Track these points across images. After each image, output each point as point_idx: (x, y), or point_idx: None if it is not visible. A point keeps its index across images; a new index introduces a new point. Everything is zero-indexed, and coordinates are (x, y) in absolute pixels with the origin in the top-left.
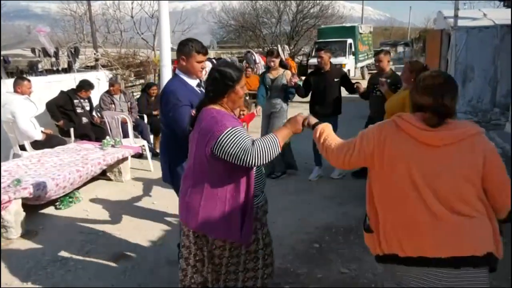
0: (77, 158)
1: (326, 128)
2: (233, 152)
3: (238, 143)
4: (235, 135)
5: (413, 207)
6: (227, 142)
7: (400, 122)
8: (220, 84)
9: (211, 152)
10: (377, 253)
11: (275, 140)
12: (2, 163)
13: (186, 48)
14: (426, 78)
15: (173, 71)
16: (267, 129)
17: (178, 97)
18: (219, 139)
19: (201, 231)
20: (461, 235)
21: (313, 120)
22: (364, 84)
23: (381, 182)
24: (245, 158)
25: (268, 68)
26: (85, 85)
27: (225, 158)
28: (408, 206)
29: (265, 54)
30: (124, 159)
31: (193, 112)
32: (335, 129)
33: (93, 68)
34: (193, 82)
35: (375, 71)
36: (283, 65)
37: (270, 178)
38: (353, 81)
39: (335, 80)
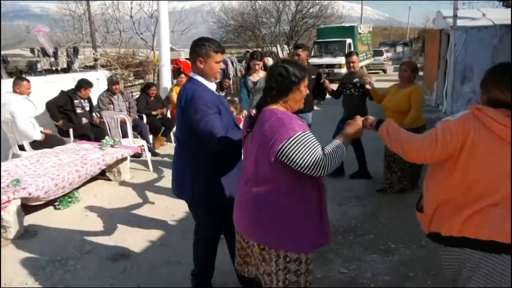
0: (76, 158)
1: (393, 124)
2: (302, 162)
3: (308, 152)
4: (305, 141)
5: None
6: (295, 149)
7: (484, 118)
8: (286, 80)
9: (275, 157)
10: (430, 231)
11: (343, 149)
12: (1, 163)
13: (203, 50)
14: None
15: (173, 71)
16: None
17: (207, 103)
18: (286, 144)
19: (269, 245)
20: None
21: (373, 119)
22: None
23: (460, 172)
24: (316, 170)
25: (249, 71)
26: (84, 84)
27: (291, 165)
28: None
29: (250, 56)
30: (123, 159)
31: (253, 112)
32: (309, 125)
33: (92, 68)
34: (212, 86)
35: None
36: (265, 67)
37: None
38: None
39: (312, 77)
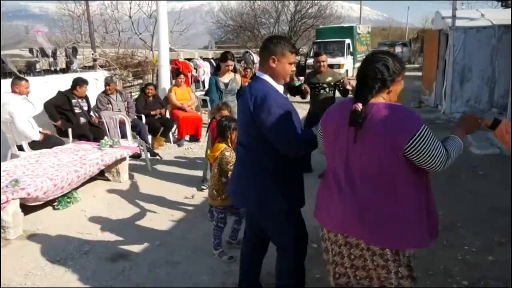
0: (75, 159)
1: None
2: (431, 156)
3: (435, 146)
4: (431, 135)
5: None
6: (425, 143)
7: None
8: (390, 71)
9: (403, 152)
10: None
11: (461, 147)
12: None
13: (278, 48)
14: None
15: (172, 71)
16: None
17: (281, 106)
18: (415, 137)
19: (392, 245)
20: None
21: (488, 119)
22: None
23: None
24: (440, 165)
25: (217, 72)
26: (78, 82)
27: (418, 159)
28: None
29: (222, 57)
30: (122, 159)
31: (359, 106)
32: None
33: (91, 68)
34: (280, 88)
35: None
36: (235, 69)
37: None
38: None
39: None
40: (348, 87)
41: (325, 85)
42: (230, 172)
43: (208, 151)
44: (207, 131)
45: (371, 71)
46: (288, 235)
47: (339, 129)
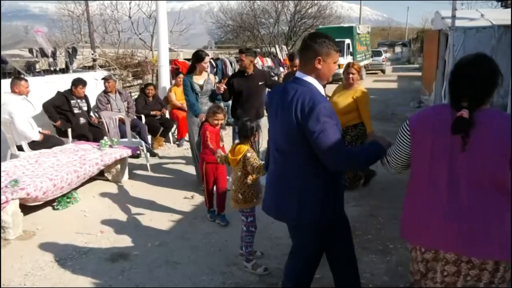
0: (74, 159)
1: None
2: None
3: None
4: None
5: None
6: None
7: None
8: (496, 76)
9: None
10: None
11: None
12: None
13: (323, 47)
14: None
15: (171, 71)
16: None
17: (330, 113)
18: None
19: (497, 256)
20: None
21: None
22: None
23: None
24: None
25: (191, 73)
26: (76, 82)
27: None
28: None
29: (196, 57)
30: (122, 159)
31: (465, 113)
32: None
33: (91, 68)
34: (322, 90)
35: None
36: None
37: None
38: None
39: (260, 83)
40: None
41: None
42: (255, 174)
43: (229, 155)
44: (198, 135)
45: (487, 75)
46: (314, 246)
47: (438, 137)
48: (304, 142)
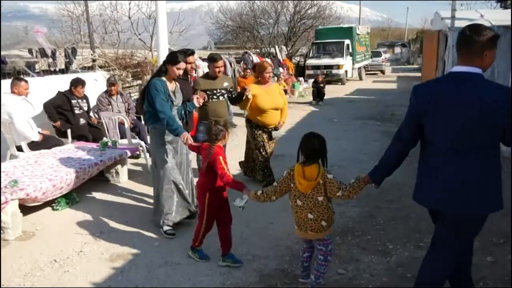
0: (74, 159)
1: None
2: None
3: None
4: None
5: None
6: None
7: None
8: None
9: None
10: None
11: None
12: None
13: (489, 40)
14: None
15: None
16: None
17: None
18: None
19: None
20: None
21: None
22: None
23: None
24: None
25: (162, 75)
26: (74, 82)
27: None
28: None
29: (171, 58)
30: (122, 160)
31: None
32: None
33: (91, 68)
34: None
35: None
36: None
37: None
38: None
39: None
40: (249, 95)
41: (223, 91)
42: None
43: (302, 182)
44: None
45: None
46: (472, 240)
47: None
48: (496, 136)
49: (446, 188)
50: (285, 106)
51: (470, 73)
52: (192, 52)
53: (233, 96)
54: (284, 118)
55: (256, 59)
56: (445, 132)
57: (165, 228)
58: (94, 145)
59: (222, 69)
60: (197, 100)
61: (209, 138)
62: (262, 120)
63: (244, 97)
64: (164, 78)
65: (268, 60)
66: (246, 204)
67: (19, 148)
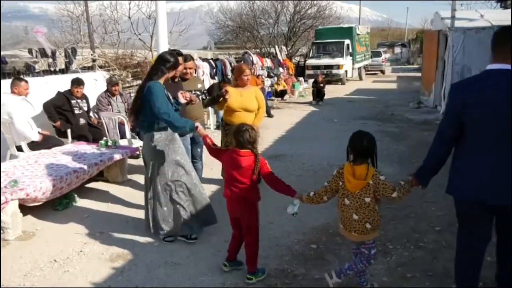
0: (74, 159)
1: None
2: None
3: None
4: None
5: None
6: None
7: None
8: None
9: None
10: None
11: None
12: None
13: None
14: None
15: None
16: None
17: None
18: None
19: None
20: None
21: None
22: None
23: None
24: None
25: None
26: (73, 83)
27: None
28: None
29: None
30: (121, 160)
31: None
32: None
33: (91, 69)
34: None
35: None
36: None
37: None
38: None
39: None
40: (227, 96)
41: (198, 93)
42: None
43: (351, 180)
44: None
45: None
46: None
47: None
48: None
49: (495, 181)
50: (260, 111)
51: (507, 69)
52: (191, 58)
53: (207, 98)
54: (257, 122)
55: (256, 59)
56: (486, 126)
57: (162, 236)
58: (94, 145)
59: (192, 70)
60: (182, 95)
61: (242, 144)
62: (230, 119)
63: (220, 99)
64: (160, 81)
65: (268, 60)
66: (298, 210)
67: (19, 148)
